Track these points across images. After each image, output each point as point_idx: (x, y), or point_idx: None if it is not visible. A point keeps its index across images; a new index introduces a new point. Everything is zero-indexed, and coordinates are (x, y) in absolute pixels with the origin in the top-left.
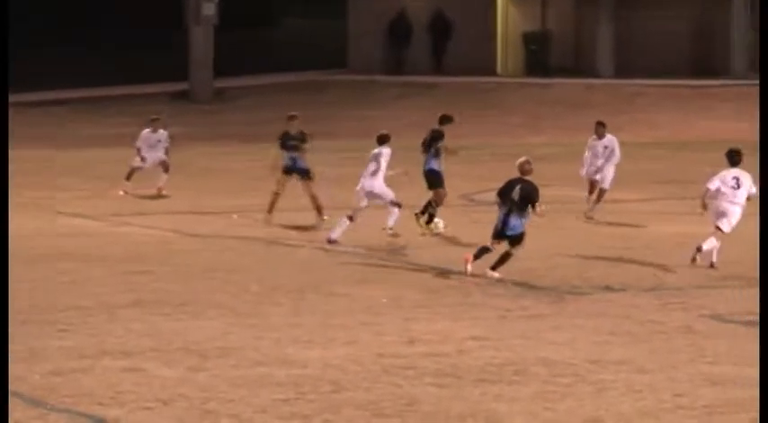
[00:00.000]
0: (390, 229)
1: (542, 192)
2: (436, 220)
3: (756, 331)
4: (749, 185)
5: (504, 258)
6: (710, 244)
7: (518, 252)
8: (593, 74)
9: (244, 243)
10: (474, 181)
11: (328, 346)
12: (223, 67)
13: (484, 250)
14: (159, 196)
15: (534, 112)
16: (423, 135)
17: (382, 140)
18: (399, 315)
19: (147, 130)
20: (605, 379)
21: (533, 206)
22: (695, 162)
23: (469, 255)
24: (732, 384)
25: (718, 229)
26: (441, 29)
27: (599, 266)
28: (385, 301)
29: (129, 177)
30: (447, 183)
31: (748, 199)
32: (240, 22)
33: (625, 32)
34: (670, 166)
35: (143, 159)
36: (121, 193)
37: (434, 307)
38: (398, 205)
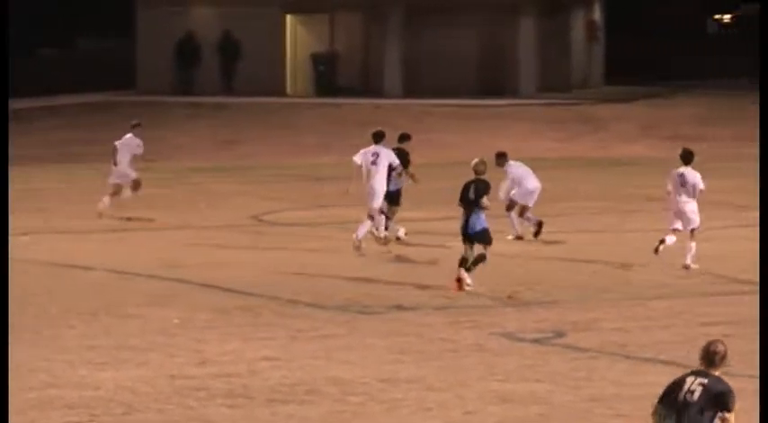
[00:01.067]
0: (358, 240)
1: (332, 212)
2: (398, 228)
3: (546, 348)
4: (696, 181)
5: (477, 261)
6: (691, 251)
7: (489, 250)
8: (382, 94)
9: (36, 266)
10: (264, 201)
11: (121, 367)
12: (18, 88)
13: (462, 261)
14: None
15: (324, 132)
16: (213, 155)
17: (378, 138)
18: (191, 336)
19: (129, 135)
20: (396, 397)
21: (483, 204)
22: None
23: (460, 273)
24: (521, 401)
25: (675, 230)
26: (229, 50)
27: (390, 285)
28: (177, 321)
29: (115, 193)
30: (237, 203)
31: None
32: (34, 42)
33: (413, 53)
34: (457, 184)
35: (115, 163)
36: (101, 209)
37: (225, 327)
38: (371, 218)
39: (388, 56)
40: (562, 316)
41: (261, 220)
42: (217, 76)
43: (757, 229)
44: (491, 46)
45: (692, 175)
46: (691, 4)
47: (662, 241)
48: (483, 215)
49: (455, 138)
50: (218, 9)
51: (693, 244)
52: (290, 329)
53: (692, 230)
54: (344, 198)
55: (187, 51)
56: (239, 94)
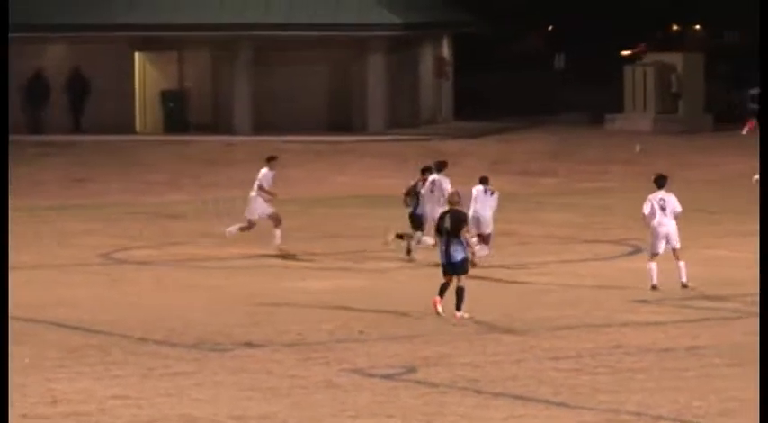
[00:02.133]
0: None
1: (183, 250)
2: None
3: (397, 384)
4: (674, 205)
5: (460, 295)
6: (682, 269)
7: (464, 282)
8: (232, 131)
9: None
10: (113, 239)
11: None
12: None
13: (444, 286)
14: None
15: (174, 170)
16: (63, 193)
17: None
18: (42, 375)
19: (266, 170)
20: None
21: (461, 231)
22: (332, 217)
23: (436, 297)
24: None
25: (672, 249)
26: (78, 87)
27: (240, 322)
28: (27, 360)
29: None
30: (87, 241)
31: (676, 217)
32: None
33: (263, 89)
34: (306, 222)
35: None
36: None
37: (76, 366)
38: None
39: (237, 92)
40: (413, 351)
41: (111, 258)
42: (66, 114)
43: (606, 262)
44: (340, 82)
45: (671, 197)
46: (539, 41)
47: (654, 284)
48: (461, 246)
49: (304, 174)
50: (68, 46)
51: (682, 263)
52: (140, 367)
53: (675, 250)
54: (198, 236)
55: (36, 89)
56: (89, 132)
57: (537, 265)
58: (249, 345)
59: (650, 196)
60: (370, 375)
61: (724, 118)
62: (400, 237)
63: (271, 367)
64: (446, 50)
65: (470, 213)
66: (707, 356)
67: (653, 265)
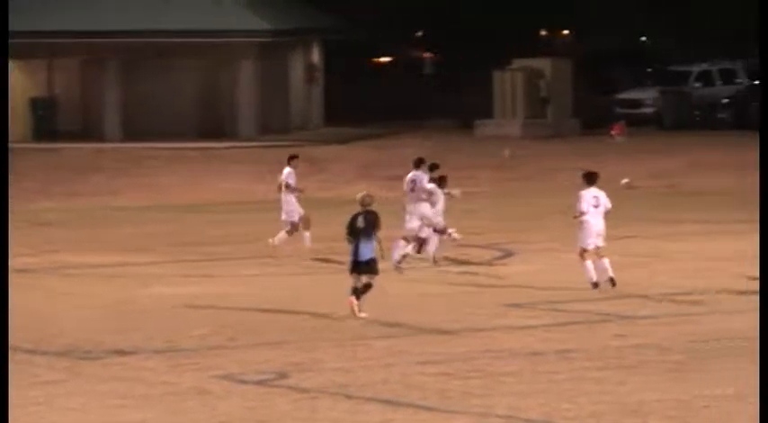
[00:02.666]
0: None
1: (55, 258)
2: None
3: (268, 390)
4: (606, 202)
5: (364, 291)
6: (607, 265)
7: (375, 280)
8: (102, 138)
9: None
10: None
11: None
12: None
13: (356, 291)
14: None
15: (44, 178)
16: None
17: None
18: None
19: (289, 169)
20: None
21: (375, 231)
22: (203, 223)
23: (351, 298)
24: None
25: (597, 247)
26: None
27: (110, 330)
28: None
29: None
30: None
31: (606, 214)
32: None
33: (133, 96)
34: (177, 228)
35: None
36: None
37: None
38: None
39: (107, 99)
40: (285, 357)
41: None
42: None
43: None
44: (210, 89)
45: (603, 195)
46: (409, 46)
47: (594, 281)
48: (372, 245)
49: (172, 180)
50: None
51: (606, 260)
52: (10, 377)
53: (599, 247)
54: (68, 243)
55: None
56: None
57: (410, 269)
58: (120, 352)
59: (583, 193)
60: (242, 381)
61: (591, 123)
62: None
63: (142, 375)
64: (316, 56)
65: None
66: (577, 360)
67: (588, 264)
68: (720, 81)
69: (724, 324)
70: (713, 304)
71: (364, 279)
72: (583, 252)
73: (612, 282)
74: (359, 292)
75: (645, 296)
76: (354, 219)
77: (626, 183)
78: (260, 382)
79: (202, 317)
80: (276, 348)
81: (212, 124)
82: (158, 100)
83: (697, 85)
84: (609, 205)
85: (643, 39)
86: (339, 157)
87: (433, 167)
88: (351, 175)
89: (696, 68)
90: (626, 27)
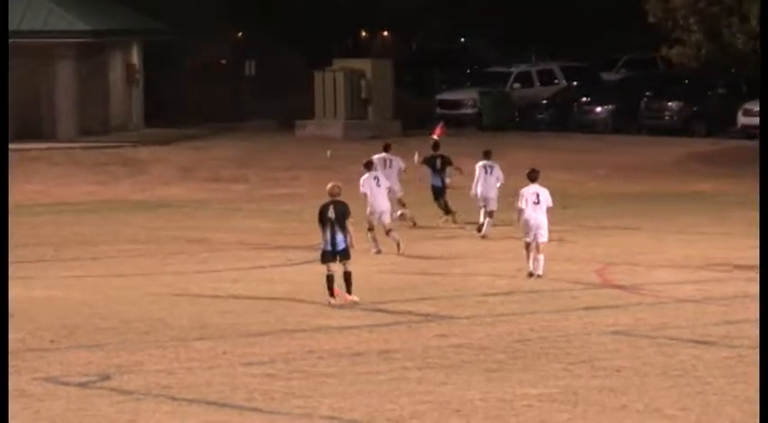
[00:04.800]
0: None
1: None
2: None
3: (91, 392)
4: (547, 198)
5: (348, 279)
6: (540, 262)
7: (351, 267)
8: None
9: None
10: None
11: None
12: None
13: (330, 279)
14: None
15: None
16: None
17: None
18: None
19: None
20: None
21: (346, 222)
22: (20, 226)
23: (337, 290)
24: None
25: (536, 242)
26: None
27: None
28: None
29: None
30: None
31: (547, 211)
32: None
33: None
34: None
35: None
36: None
37: None
38: None
39: None
40: (106, 359)
41: None
42: None
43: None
44: (28, 90)
45: (545, 191)
46: (227, 47)
47: (531, 272)
48: (344, 234)
49: None
50: None
51: (542, 256)
52: None
53: (539, 244)
54: None
55: None
56: None
57: (229, 271)
58: None
59: (523, 190)
60: (65, 384)
61: (412, 124)
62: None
63: None
64: (136, 57)
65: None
66: (398, 360)
67: (532, 256)
68: (539, 82)
69: (542, 324)
70: (531, 304)
71: (343, 267)
72: (526, 245)
73: (538, 276)
74: (333, 280)
75: (464, 296)
76: (325, 208)
77: (447, 183)
78: (82, 385)
79: (19, 320)
80: (98, 351)
81: (29, 125)
82: None
83: (516, 85)
84: (550, 202)
85: (462, 40)
86: (159, 158)
87: (387, 148)
88: (170, 176)
89: (515, 70)
90: (445, 28)
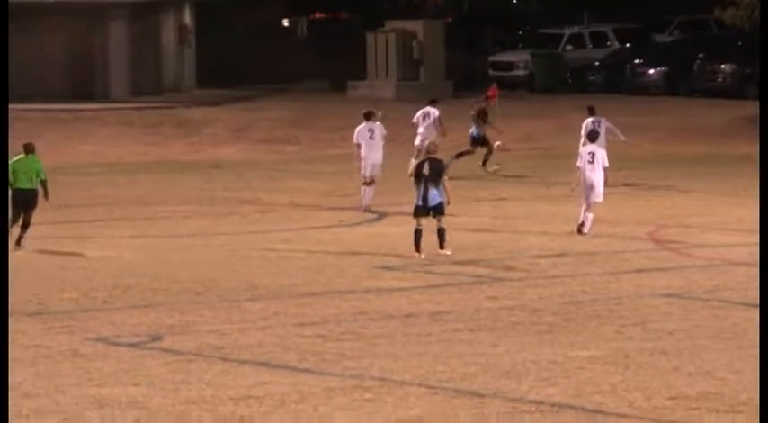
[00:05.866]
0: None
1: None
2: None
3: (142, 352)
4: (603, 158)
5: (441, 234)
6: (588, 221)
7: (444, 223)
8: None
9: None
10: None
11: None
12: None
13: (418, 234)
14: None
15: None
16: None
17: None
18: None
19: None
20: None
21: (441, 178)
22: (75, 186)
23: (439, 253)
24: (118, 406)
25: (589, 201)
26: None
27: None
28: None
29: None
30: None
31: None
32: None
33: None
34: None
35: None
36: None
37: None
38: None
39: None
40: (158, 319)
41: None
42: None
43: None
44: (80, 50)
45: (601, 151)
46: (280, 8)
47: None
48: (440, 190)
49: (46, 142)
50: None
51: (591, 215)
52: None
53: (593, 203)
54: None
55: None
56: None
57: (281, 232)
58: None
59: (581, 149)
60: (116, 344)
61: (464, 85)
62: (461, 155)
63: (14, 337)
64: (188, 18)
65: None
66: (449, 322)
67: (583, 212)
68: (591, 44)
69: (595, 286)
70: (583, 266)
71: (436, 223)
72: (582, 205)
73: (580, 231)
74: (420, 240)
75: (516, 258)
76: (420, 165)
77: (499, 145)
78: (133, 345)
79: (73, 280)
80: (150, 311)
81: (83, 85)
82: (27, 61)
83: (568, 47)
84: (606, 162)
85: (514, 1)
86: (212, 119)
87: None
88: (223, 137)
89: (567, 31)
90: None
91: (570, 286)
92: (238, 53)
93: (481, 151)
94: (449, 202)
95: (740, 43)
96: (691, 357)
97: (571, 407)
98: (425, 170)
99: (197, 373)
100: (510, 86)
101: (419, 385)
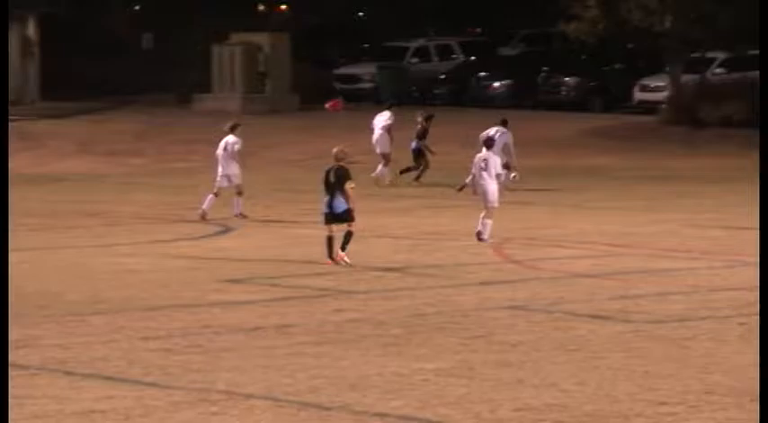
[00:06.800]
0: None
1: None
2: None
3: None
4: (496, 165)
5: (348, 237)
6: (487, 226)
7: (354, 227)
8: None
9: None
10: None
11: None
12: None
13: (329, 241)
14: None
15: None
16: None
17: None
18: None
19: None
20: None
21: (345, 185)
22: None
23: (338, 254)
24: None
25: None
26: None
27: None
28: None
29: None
30: None
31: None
32: None
33: None
34: None
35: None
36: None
37: None
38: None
39: None
40: None
41: None
42: None
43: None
44: None
45: (494, 158)
46: (126, 20)
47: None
48: (344, 198)
49: None
50: None
51: (489, 221)
52: None
53: (489, 209)
54: None
55: None
56: None
57: (126, 245)
58: None
59: (476, 157)
60: None
61: (310, 98)
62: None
63: None
64: (32, 30)
65: None
66: (295, 335)
67: (481, 219)
68: (437, 57)
69: (440, 298)
70: (428, 279)
71: (344, 228)
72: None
73: (479, 237)
74: (340, 241)
75: (362, 270)
76: (327, 173)
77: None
78: None
79: None
80: None
81: None
82: None
83: (414, 60)
84: (499, 169)
85: (360, 14)
86: (56, 132)
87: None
88: (68, 150)
89: (413, 44)
90: (343, 2)
91: (415, 299)
92: (83, 65)
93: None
94: (353, 208)
95: (584, 57)
96: (535, 369)
97: (416, 419)
98: (332, 177)
99: (41, 387)
100: (355, 99)
101: (265, 398)
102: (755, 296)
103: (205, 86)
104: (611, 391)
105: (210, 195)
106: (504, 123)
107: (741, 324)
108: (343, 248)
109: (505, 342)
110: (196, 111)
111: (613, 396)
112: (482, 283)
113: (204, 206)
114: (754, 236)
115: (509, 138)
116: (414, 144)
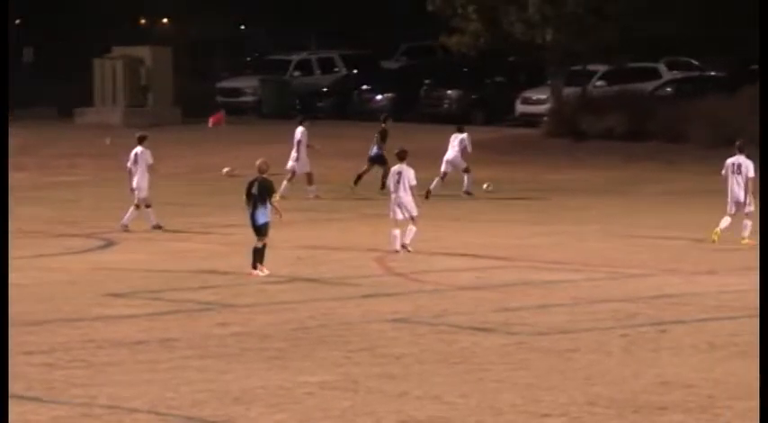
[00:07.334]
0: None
1: None
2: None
3: None
4: (409, 178)
5: (257, 253)
6: (411, 233)
7: (266, 240)
8: None
9: None
10: None
11: None
12: None
13: (257, 251)
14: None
15: None
16: None
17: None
18: None
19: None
20: None
21: (270, 197)
22: None
23: (258, 266)
24: None
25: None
26: None
27: None
28: None
29: None
30: None
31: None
32: None
33: None
34: None
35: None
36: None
37: None
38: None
39: None
40: None
41: None
42: None
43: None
44: None
45: (408, 170)
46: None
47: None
48: (266, 210)
49: None
50: None
51: (414, 228)
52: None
53: (413, 218)
54: None
55: None
56: None
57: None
58: None
59: (393, 168)
60: None
61: (193, 111)
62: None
63: None
64: None
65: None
66: (179, 349)
67: (394, 232)
68: (320, 70)
69: (323, 311)
70: (311, 292)
71: (258, 241)
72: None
73: (404, 247)
74: (258, 253)
75: (246, 283)
76: (250, 185)
77: (227, 171)
78: None
79: None
80: None
81: None
82: None
83: (296, 73)
84: (413, 182)
85: (242, 28)
86: None
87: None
88: None
89: (295, 57)
90: (225, 16)
91: (299, 312)
92: None
93: (378, 170)
94: (280, 216)
95: (466, 70)
96: (419, 382)
97: None
98: (254, 189)
99: None
100: (238, 112)
101: (149, 412)
102: (637, 308)
103: (87, 100)
104: (494, 403)
105: (132, 208)
106: (460, 130)
107: (623, 336)
108: (254, 266)
109: (389, 355)
110: (78, 124)
111: (497, 408)
112: (366, 296)
113: (124, 220)
114: (637, 247)
115: (467, 142)
116: (374, 150)
